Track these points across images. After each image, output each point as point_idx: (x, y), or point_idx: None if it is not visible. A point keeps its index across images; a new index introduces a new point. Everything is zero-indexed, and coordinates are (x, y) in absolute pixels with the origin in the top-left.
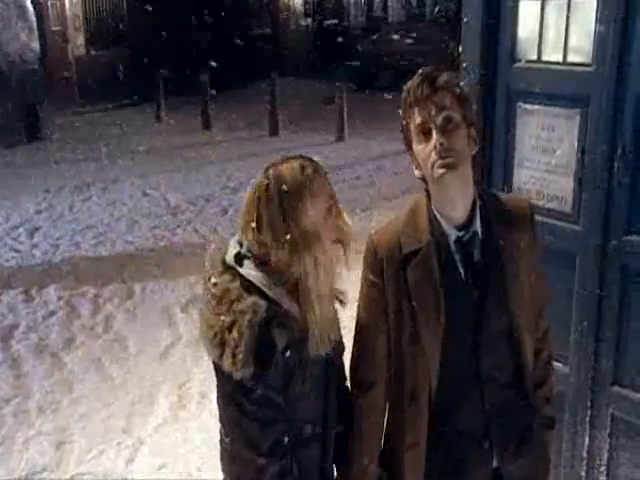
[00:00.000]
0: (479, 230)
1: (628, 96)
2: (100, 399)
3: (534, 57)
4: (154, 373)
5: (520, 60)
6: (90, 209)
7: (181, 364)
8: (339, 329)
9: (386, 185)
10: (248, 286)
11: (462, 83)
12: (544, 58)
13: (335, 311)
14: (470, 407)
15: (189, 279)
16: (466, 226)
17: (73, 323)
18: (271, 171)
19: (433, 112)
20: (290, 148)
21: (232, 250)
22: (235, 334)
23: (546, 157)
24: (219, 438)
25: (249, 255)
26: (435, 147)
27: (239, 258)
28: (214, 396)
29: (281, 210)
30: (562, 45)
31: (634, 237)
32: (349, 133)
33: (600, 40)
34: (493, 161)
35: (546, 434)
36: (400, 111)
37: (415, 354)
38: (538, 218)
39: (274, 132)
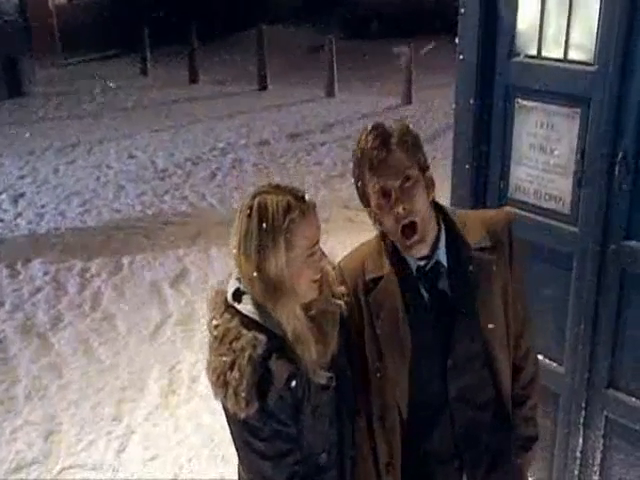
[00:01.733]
0: (442, 259)
1: (631, 99)
2: (89, 384)
3: (534, 52)
4: (144, 355)
5: (519, 55)
6: (75, 173)
7: (171, 345)
8: (339, 350)
9: None
10: (247, 322)
11: (409, 125)
12: (544, 54)
13: (329, 335)
14: (439, 428)
15: (178, 252)
16: (428, 256)
17: (60, 300)
18: (257, 199)
19: (392, 176)
20: (279, 105)
21: (231, 288)
22: (236, 373)
23: (544, 156)
24: (237, 473)
25: (247, 290)
26: (398, 214)
27: (238, 295)
28: (204, 380)
29: (257, 247)
30: (563, 41)
31: (633, 242)
32: (339, 87)
33: (603, 38)
34: (490, 157)
35: (522, 455)
36: (352, 171)
37: (381, 377)
38: (535, 217)
39: (263, 86)
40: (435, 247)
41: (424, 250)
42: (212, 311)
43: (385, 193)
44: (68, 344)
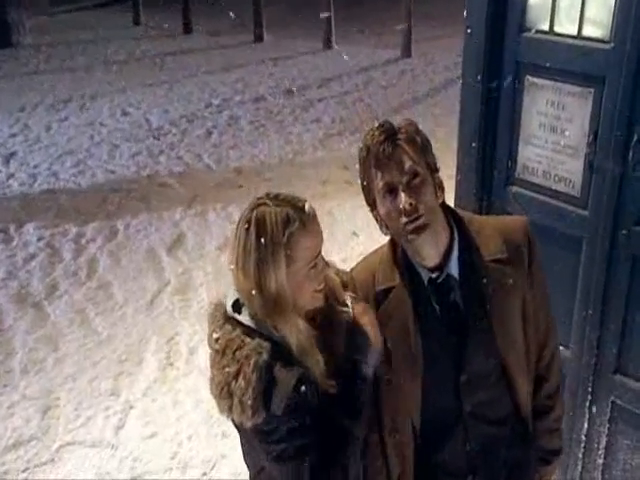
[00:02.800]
0: (455, 272)
1: None
2: (86, 357)
3: (545, 27)
4: (141, 326)
5: (530, 30)
6: (68, 131)
7: (168, 316)
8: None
9: (376, 102)
10: (250, 332)
11: (419, 126)
12: (557, 29)
13: (334, 344)
14: (453, 443)
15: (174, 216)
16: (440, 267)
17: (55, 268)
18: (255, 212)
19: (398, 172)
20: (275, 59)
21: (230, 300)
22: (241, 382)
23: (554, 136)
24: None
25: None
26: (404, 209)
27: (238, 306)
28: (202, 352)
29: (256, 263)
30: (577, 16)
31: None
32: (337, 39)
33: (620, 14)
34: (497, 136)
35: (543, 469)
36: (358, 169)
37: (393, 389)
38: (543, 199)
39: (259, 38)
40: (447, 256)
41: (433, 255)
42: (211, 325)
43: (391, 189)
44: (64, 314)
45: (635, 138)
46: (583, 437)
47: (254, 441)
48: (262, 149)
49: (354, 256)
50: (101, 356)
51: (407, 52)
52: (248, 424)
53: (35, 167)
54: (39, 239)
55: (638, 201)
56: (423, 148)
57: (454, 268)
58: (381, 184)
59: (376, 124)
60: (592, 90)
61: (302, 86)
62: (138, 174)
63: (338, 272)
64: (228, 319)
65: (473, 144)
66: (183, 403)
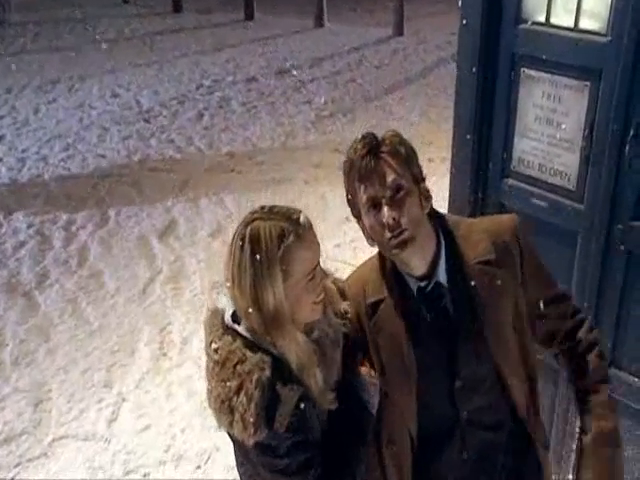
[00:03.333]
0: (443, 279)
1: None
2: (78, 348)
3: (542, 19)
4: (133, 316)
5: (526, 21)
6: (57, 113)
7: (161, 305)
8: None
9: (368, 82)
10: (251, 345)
11: (404, 137)
12: (553, 21)
13: (331, 358)
14: (451, 451)
15: (165, 202)
16: (428, 276)
17: (45, 256)
18: (249, 228)
19: (381, 186)
20: (266, 38)
21: (229, 309)
22: (243, 398)
23: (550, 129)
24: None
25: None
26: (387, 224)
27: (237, 316)
28: (195, 342)
29: (252, 280)
30: (574, 8)
31: None
32: (328, 16)
33: (618, 8)
34: (493, 128)
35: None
36: (344, 182)
37: (389, 401)
38: (539, 192)
39: (249, 16)
40: (435, 264)
41: (421, 265)
42: (210, 334)
43: (375, 203)
44: (55, 304)
45: (632, 132)
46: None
47: (253, 454)
48: (254, 131)
49: (347, 241)
50: (93, 347)
51: (399, 30)
52: (250, 441)
53: (23, 151)
54: (29, 226)
55: (634, 196)
56: (407, 159)
57: (442, 275)
58: (365, 198)
59: (359, 136)
60: (588, 83)
61: (294, 66)
62: (129, 158)
63: (335, 280)
64: (227, 329)
65: (468, 136)
66: (176, 395)
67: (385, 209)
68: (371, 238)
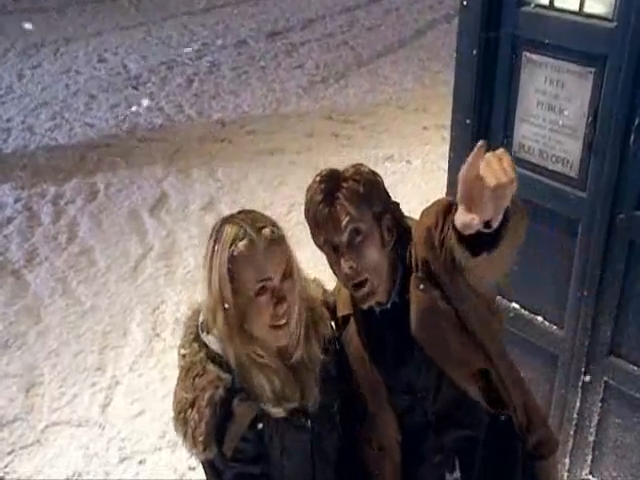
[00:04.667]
0: (397, 298)
1: None
2: (70, 330)
3: (545, 2)
4: (125, 295)
5: (529, 4)
6: (42, 80)
7: (153, 283)
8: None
9: (361, 45)
10: (214, 357)
11: (366, 170)
12: (557, 4)
13: (306, 385)
14: (427, 451)
15: (156, 173)
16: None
17: (34, 232)
18: (219, 225)
19: (336, 232)
20: None
21: (202, 316)
22: (195, 414)
23: (552, 115)
24: None
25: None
26: (346, 274)
27: (207, 324)
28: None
29: (207, 269)
30: None
31: None
32: None
33: None
34: (493, 112)
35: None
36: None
37: (367, 412)
38: (539, 178)
39: None
40: (391, 291)
41: (379, 298)
42: (184, 336)
43: (334, 248)
44: (45, 283)
45: (637, 121)
46: (575, 415)
47: (204, 469)
48: (245, 98)
49: None
50: (85, 328)
51: None
52: (199, 458)
53: (8, 121)
54: (16, 201)
55: (638, 185)
56: (367, 198)
57: (396, 293)
58: (322, 242)
59: (320, 175)
60: (593, 69)
61: (284, 28)
62: (117, 128)
63: (325, 295)
64: (197, 337)
65: (467, 120)
66: (171, 378)
67: (342, 260)
68: (334, 273)
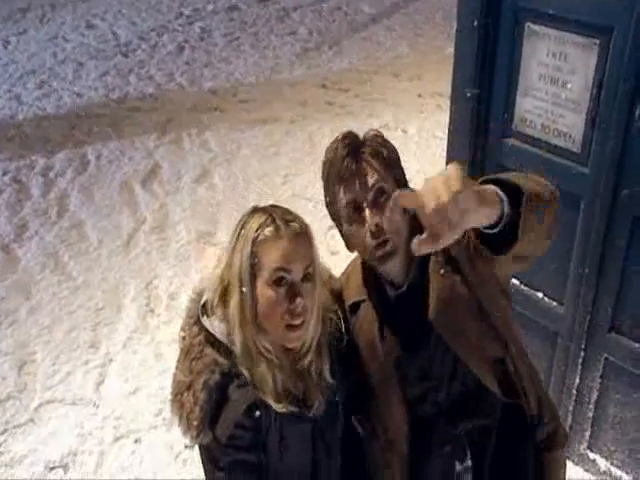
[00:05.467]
0: (413, 281)
1: None
2: (62, 306)
3: None
4: (118, 269)
5: None
6: (28, 47)
7: (146, 257)
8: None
9: (354, 10)
10: (213, 341)
11: (386, 137)
12: None
13: (312, 391)
14: (437, 443)
15: (147, 144)
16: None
17: (23, 205)
18: (248, 212)
19: (362, 188)
20: None
21: (204, 297)
22: (190, 397)
23: (555, 88)
24: None
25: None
26: (370, 231)
27: (208, 307)
28: (183, 297)
29: (231, 249)
30: None
31: None
32: None
33: None
34: (494, 85)
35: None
36: (323, 185)
37: (377, 404)
38: (541, 153)
39: None
40: (408, 272)
41: (401, 273)
42: (185, 318)
43: (356, 207)
44: (35, 258)
45: None
46: (574, 391)
47: (200, 453)
48: (237, 66)
49: None
50: (77, 304)
51: None
52: (193, 442)
53: None
54: (4, 173)
55: None
56: (390, 162)
57: (414, 274)
58: (345, 201)
59: (340, 136)
60: (598, 41)
61: None
62: (107, 97)
63: (332, 281)
64: (198, 320)
65: (468, 93)
66: (165, 355)
67: (367, 214)
68: (351, 245)
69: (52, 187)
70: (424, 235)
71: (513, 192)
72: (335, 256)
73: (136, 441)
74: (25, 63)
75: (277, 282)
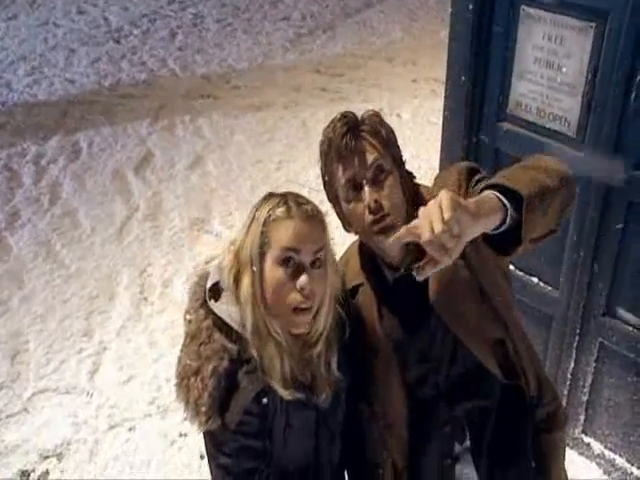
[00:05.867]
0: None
1: None
2: (55, 294)
3: None
4: (111, 258)
5: None
6: (19, 32)
7: (139, 245)
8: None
9: None
10: (221, 325)
11: (383, 118)
12: None
13: (318, 381)
14: (437, 423)
15: (140, 131)
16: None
17: (15, 193)
18: (265, 196)
19: (361, 166)
20: None
21: (211, 280)
22: (199, 383)
23: (550, 72)
24: None
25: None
26: (369, 206)
27: (216, 290)
28: (177, 284)
29: (244, 228)
30: None
31: None
32: None
33: None
34: (489, 69)
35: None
36: (320, 164)
37: (376, 388)
38: (536, 137)
39: None
40: (407, 252)
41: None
42: (190, 301)
43: (355, 185)
44: (28, 246)
45: (638, 78)
46: (569, 375)
47: (205, 440)
48: (230, 52)
49: None
50: (71, 293)
51: None
52: (201, 429)
53: None
54: None
55: (638, 144)
56: (388, 141)
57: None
58: (344, 179)
59: (338, 115)
60: (594, 24)
61: None
62: (99, 84)
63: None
64: (205, 302)
65: (463, 77)
66: (159, 342)
67: (367, 190)
68: (349, 224)
69: (44, 175)
70: (423, 261)
71: (516, 195)
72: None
73: (130, 429)
74: (15, 49)
75: (285, 262)
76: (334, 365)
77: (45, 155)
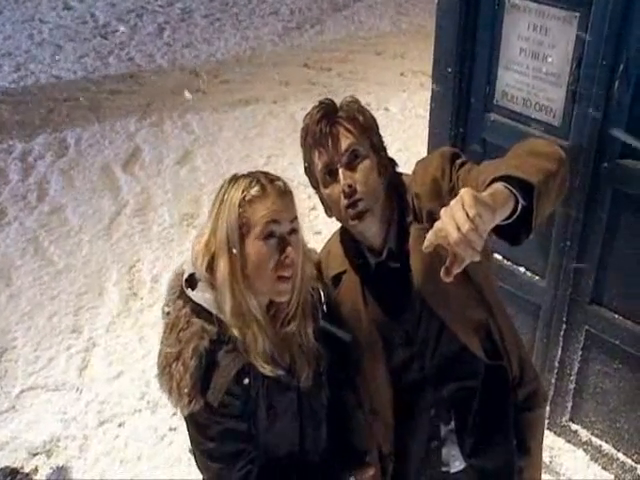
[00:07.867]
0: (393, 244)
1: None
2: (43, 291)
3: None
4: (100, 254)
5: None
6: (4, 28)
7: (128, 241)
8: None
9: None
10: (199, 311)
11: (363, 104)
12: None
13: (297, 360)
14: (424, 406)
15: (128, 127)
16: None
17: (1, 190)
18: (233, 176)
19: (335, 151)
20: None
21: (187, 271)
22: (180, 366)
23: (536, 62)
24: None
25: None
26: (342, 191)
27: (192, 281)
28: (166, 279)
29: (215, 215)
30: None
31: (629, 161)
32: None
33: None
34: (475, 60)
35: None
36: (302, 149)
37: (361, 375)
38: (522, 127)
39: None
40: (387, 237)
41: (378, 236)
42: (168, 295)
43: (330, 171)
44: (15, 244)
45: (622, 67)
46: (556, 363)
47: (188, 427)
48: (218, 47)
49: None
50: (59, 289)
51: None
52: (184, 411)
53: None
54: None
55: (624, 133)
56: (367, 127)
57: (392, 240)
58: (320, 165)
59: (317, 102)
60: (578, 14)
61: None
62: (86, 80)
63: (309, 252)
64: (182, 293)
65: (449, 69)
66: (149, 338)
67: (340, 174)
68: (329, 208)
69: (31, 172)
70: (448, 261)
71: (523, 183)
72: (318, 235)
73: (120, 425)
74: (0, 45)
75: (268, 236)
76: (310, 333)
77: (32, 152)
